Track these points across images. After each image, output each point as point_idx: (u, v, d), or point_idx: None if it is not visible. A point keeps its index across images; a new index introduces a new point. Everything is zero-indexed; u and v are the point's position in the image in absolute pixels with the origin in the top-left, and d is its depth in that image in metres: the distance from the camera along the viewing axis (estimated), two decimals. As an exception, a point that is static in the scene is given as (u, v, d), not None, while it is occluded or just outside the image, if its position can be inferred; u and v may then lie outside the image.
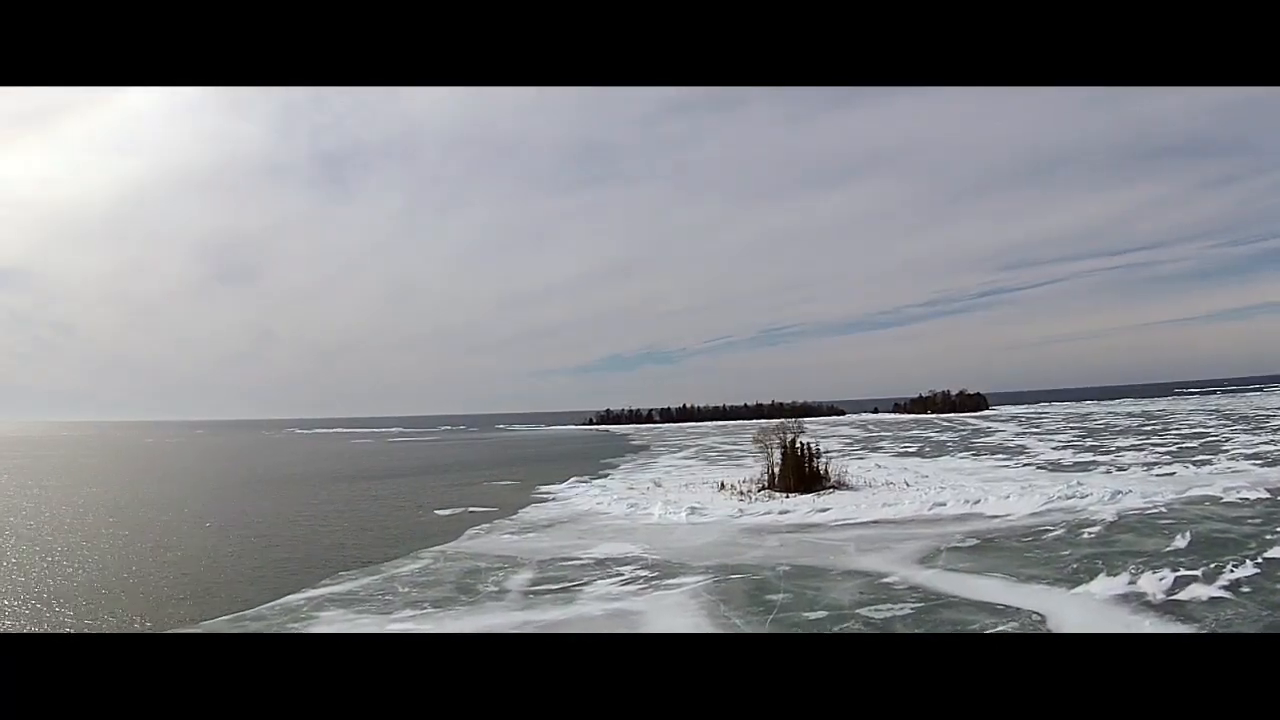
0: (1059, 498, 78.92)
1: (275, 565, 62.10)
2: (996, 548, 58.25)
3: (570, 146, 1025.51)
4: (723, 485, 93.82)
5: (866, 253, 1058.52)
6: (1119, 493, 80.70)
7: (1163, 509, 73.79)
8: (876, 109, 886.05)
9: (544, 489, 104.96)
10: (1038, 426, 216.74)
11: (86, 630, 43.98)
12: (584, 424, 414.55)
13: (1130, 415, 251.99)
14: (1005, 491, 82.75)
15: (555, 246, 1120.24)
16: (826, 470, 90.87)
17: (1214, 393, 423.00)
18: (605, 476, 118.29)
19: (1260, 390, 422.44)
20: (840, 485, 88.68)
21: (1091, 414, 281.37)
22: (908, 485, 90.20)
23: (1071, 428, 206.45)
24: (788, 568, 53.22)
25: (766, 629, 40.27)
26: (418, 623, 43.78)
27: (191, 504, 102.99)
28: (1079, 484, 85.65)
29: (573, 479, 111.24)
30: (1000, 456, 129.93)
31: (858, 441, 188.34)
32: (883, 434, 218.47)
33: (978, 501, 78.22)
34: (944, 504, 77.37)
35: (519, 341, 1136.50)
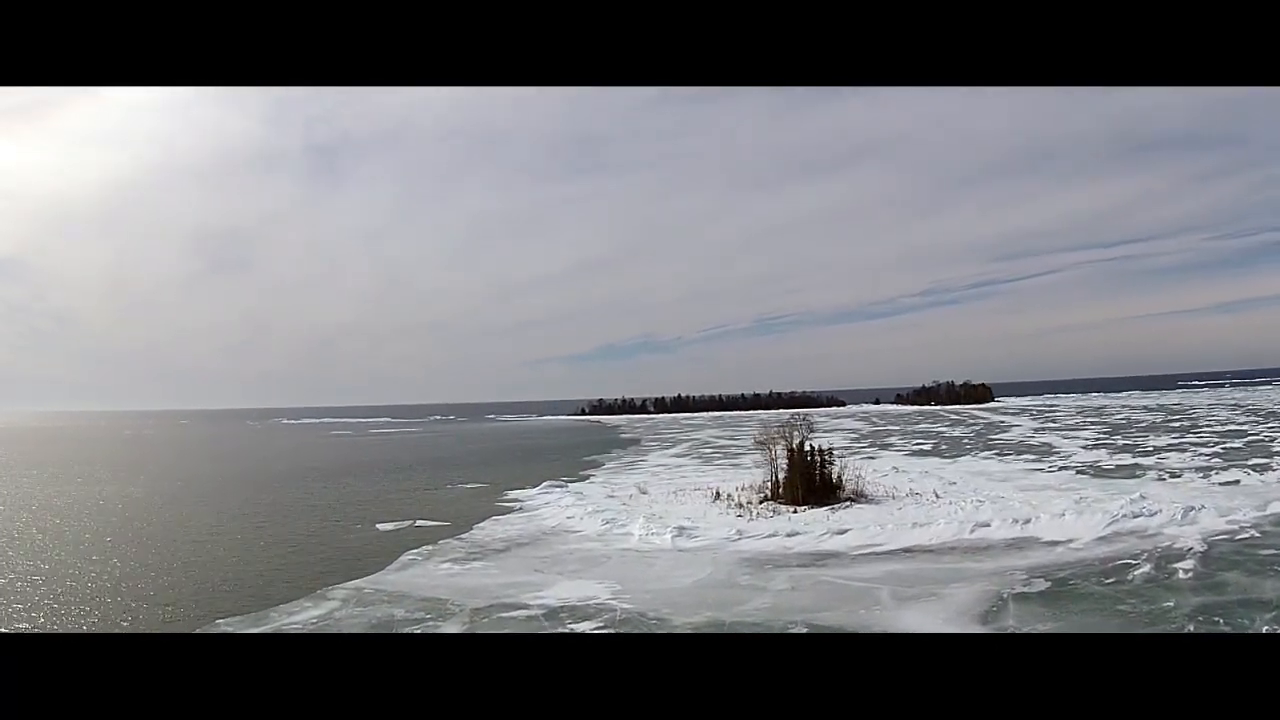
0: (1123, 516, 65.03)
1: (141, 606, 47.94)
2: (1076, 595, 44.16)
3: (560, 138, 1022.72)
4: (718, 494, 79.65)
5: (859, 244, 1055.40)
6: (1191, 509, 67.02)
7: (1254, 532, 60.30)
8: (866, 100, 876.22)
9: (511, 495, 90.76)
10: (1054, 421, 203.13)
11: (86, 630, 41.93)
12: (576, 414, 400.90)
13: (1147, 409, 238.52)
14: (1057, 507, 68.77)
15: (548, 237, 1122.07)
16: (840, 477, 76.74)
17: (1223, 386, 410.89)
18: (585, 479, 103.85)
19: (1269, 384, 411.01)
20: (858, 496, 74.58)
21: (1105, 407, 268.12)
22: (937, 497, 76.13)
23: (1091, 423, 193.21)
24: (804, 630, 39.09)
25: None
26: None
27: (109, 508, 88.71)
28: (1141, 498, 71.66)
29: (546, 482, 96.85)
30: (1029, 457, 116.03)
31: (865, 437, 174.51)
32: (890, 428, 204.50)
33: (1028, 521, 64.23)
34: (987, 524, 63.36)
35: (513, 331, 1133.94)
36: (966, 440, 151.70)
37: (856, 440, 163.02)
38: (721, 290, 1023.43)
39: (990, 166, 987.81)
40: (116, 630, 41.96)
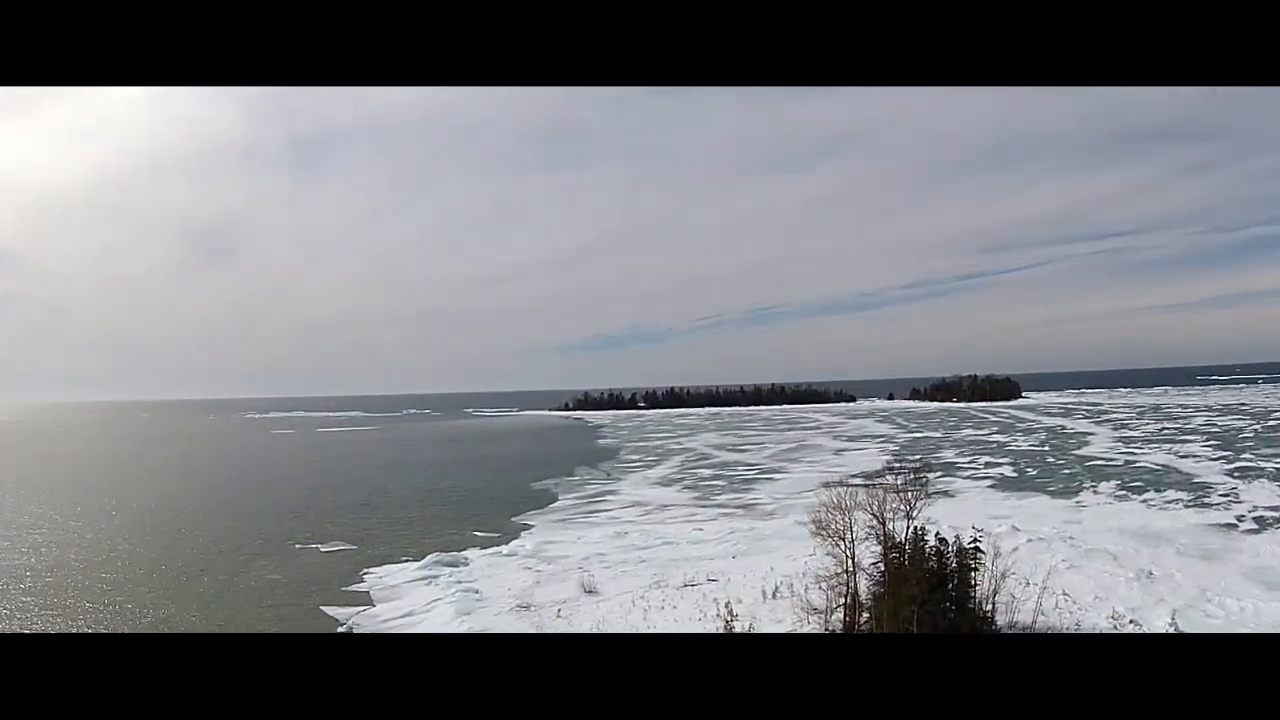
0: None
1: None
2: None
3: (542, 131, 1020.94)
4: (729, 610, 41.49)
5: (847, 235, 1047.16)
6: None
7: None
8: (844, 94, 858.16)
9: (371, 576, 53.13)
10: (1127, 427, 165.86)
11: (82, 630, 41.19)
12: (560, 408, 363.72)
13: (1212, 409, 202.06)
14: None
15: (534, 228, 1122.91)
16: (973, 582, 38.78)
17: (1240, 385, 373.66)
18: (512, 537, 65.68)
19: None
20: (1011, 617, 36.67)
21: (1162, 407, 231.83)
22: (1128, 620, 38.37)
23: (1166, 425, 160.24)
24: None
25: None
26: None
27: None
28: None
29: (434, 556, 58.08)
30: (1179, 497, 79.21)
31: (903, 449, 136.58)
32: (929, 434, 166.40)
33: None
34: None
35: (504, 320, 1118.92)
36: (1051, 459, 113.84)
37: (896, 456, 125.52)
38: (711, 280, 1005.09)
39: (976, 159, 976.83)
40: (113, 631, 41.00)
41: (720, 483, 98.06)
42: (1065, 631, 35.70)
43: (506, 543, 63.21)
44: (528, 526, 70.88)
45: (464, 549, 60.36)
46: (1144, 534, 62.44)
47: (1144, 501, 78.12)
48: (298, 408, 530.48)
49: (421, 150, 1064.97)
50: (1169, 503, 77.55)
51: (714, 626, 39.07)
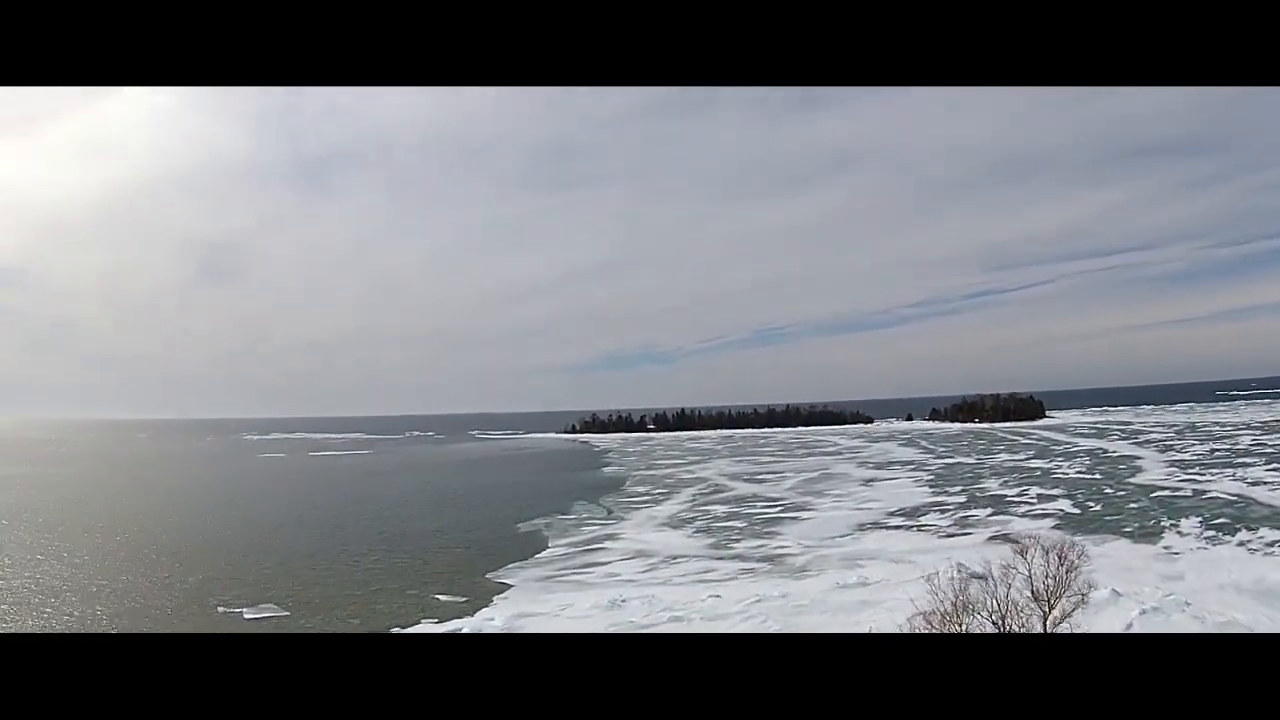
0: None
1: None
2: None
3: (545, 148, 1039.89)
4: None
5: (851, 254, 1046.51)
6: None
7: None
8: (846, 107, 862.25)
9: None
10: (1171, 448, 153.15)
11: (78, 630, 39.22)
12: (567, 431, 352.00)
13: (1246, 427, 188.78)
14: None
15: (540, 246, 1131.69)
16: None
17: (1266, 400, 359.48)
18: (481, 604, 53.39)
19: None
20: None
21: (1196, 423, 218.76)
22: None
23: (1214, 447, 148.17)
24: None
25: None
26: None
27: None
28: None
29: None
30: (1270, 531, 67.85)
31: (939, 478, 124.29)
32: (961, 460, 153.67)
33: None
34: None
35: (513, 340, 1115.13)
36: (1109, 489, 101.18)
37: (937, 490, 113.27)
38: (718, 300, 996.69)
39: (979, 175, 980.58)
40: (111, 630, 39.16)
41: (738, 524, 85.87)
42: (1064, 632, 34.44)
43: (472, 612, 51.20)
44: (503, 588, 58.68)
45: (417, 621, 48.58)
46: (1266, 592, 50.65)
47: (1241, 545, 65.97)
48: (301, 428, 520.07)
49: (427, 169, 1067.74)
50: (1271, 545, 65.58)
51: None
